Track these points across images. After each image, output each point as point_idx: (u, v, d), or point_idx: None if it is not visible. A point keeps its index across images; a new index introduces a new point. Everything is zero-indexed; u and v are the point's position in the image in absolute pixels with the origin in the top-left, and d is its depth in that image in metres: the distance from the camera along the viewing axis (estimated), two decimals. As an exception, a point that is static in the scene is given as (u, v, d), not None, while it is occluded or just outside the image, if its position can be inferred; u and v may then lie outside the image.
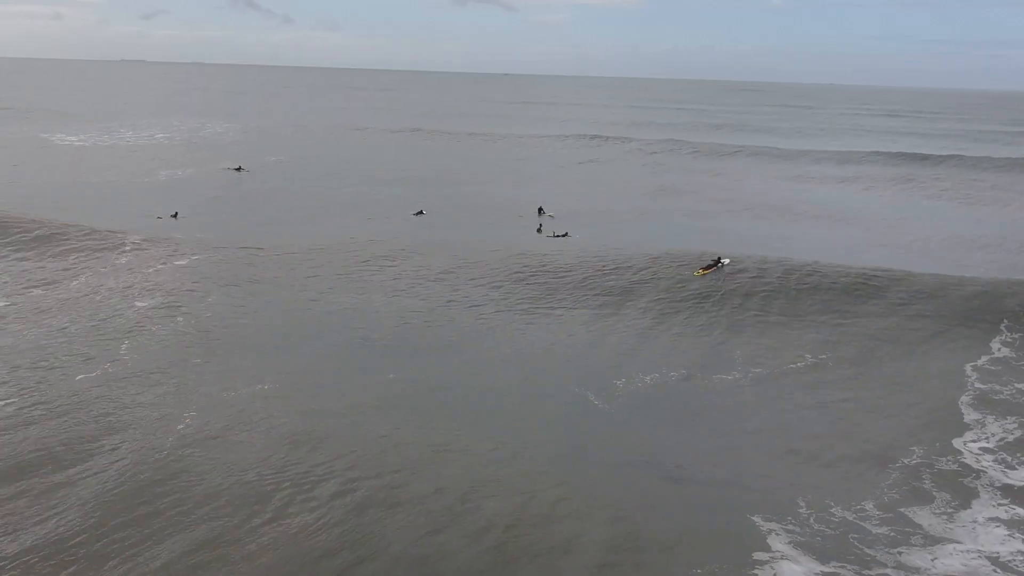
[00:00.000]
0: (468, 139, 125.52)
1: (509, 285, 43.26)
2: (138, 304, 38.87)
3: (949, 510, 22.94)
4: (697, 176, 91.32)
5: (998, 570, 20.41)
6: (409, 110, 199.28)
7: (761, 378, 32.19)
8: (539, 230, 60.66)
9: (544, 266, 46.12)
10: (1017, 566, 20.56)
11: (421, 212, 67.24)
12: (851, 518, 22.28)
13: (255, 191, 75.30)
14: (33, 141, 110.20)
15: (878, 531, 21.75)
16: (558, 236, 57.62)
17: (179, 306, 38.73)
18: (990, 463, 25.50)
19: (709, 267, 43.34)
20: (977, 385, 31.45)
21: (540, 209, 67.55)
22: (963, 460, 25.66)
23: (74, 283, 42.52)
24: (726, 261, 43.79)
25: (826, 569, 20.07)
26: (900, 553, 20.88)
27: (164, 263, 46.06)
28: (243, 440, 25.55)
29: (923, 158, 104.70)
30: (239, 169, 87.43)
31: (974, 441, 26.95)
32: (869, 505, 23.01)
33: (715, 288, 41.97)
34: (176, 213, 62.07)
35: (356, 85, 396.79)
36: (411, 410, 28.34)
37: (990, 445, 26.66)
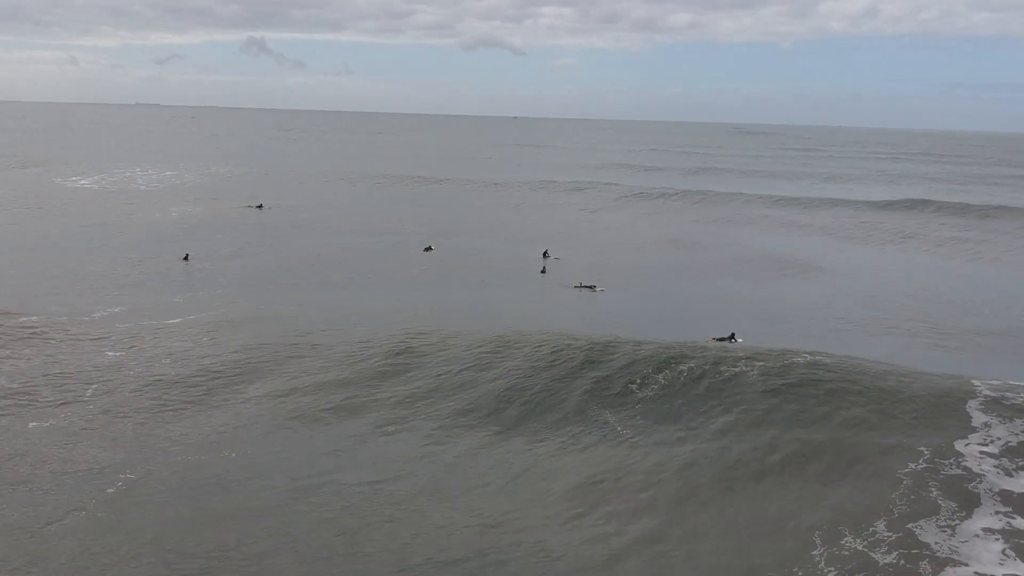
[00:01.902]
0: (481, 188, 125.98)
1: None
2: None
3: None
4: (698, 227, 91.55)
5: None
6: (424, 155, 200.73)
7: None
8: (543, 271, 60.97)
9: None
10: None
11: (430, 248, 67.94)
12: None
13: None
14: (62, 189, 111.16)
15: None
16: (585, 287, 56.21)
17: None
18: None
19: (722, 339, 42.60)
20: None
21: (545, 253, 67.79)
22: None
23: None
24: (739, 340, 42.56)
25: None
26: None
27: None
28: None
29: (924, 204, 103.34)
30: (260, 207, 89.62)
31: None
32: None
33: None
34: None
35: (369, 129, 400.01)
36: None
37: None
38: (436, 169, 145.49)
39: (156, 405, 32.24)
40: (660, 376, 33.77)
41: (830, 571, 21.30)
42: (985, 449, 27.34)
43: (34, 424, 30.00)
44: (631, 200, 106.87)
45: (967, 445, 27.59)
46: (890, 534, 22.75)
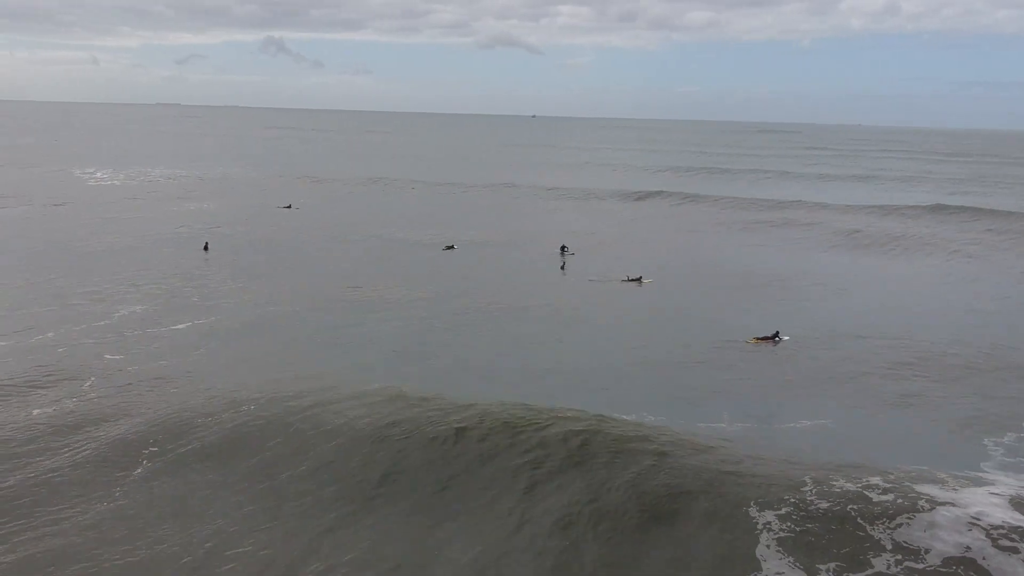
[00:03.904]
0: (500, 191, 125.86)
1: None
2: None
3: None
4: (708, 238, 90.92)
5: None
6: (441, 157, 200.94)
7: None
8: (562, 268, 60.92)
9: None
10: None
11: (452, 247, 68.01)
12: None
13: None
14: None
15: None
16: (632, 280, 56.01)
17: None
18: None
19: (764, 338, 41.87)
20: None
21: (563, 248, 67.67)
22: None
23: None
24: (785, 338, 41.83)
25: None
26: None
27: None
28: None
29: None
30: (289, 207, 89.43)
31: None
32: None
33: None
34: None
35: (386, 130, 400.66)
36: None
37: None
38: (455, 172, 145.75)
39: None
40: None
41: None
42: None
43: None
44: (644, 200, 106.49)
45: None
46: None
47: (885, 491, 21.58)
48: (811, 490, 21.59)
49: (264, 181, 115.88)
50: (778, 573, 19.17)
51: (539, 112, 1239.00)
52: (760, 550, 19.84)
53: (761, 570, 19.31)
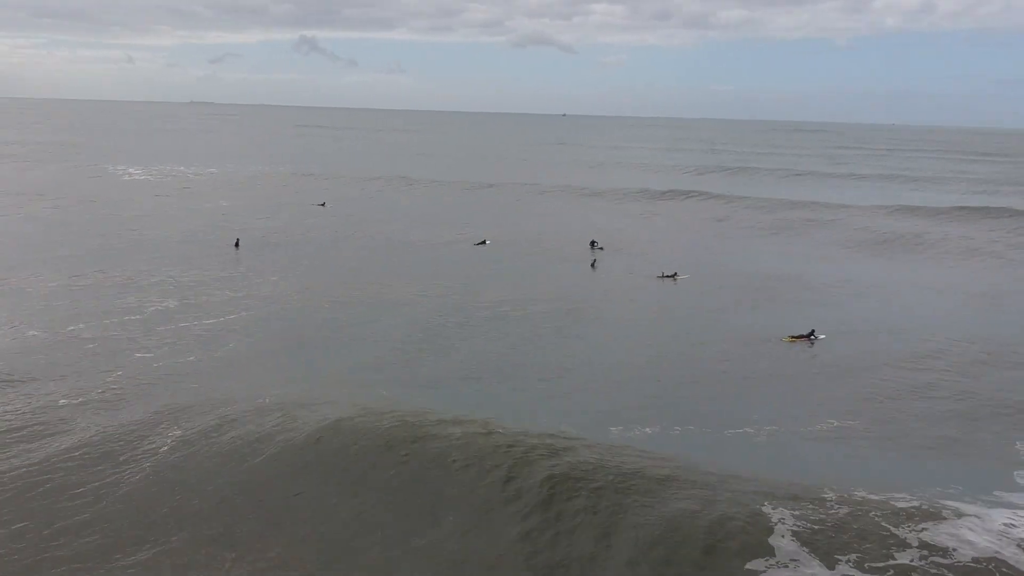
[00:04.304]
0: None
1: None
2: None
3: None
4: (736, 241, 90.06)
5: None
6: (470, 156, 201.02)
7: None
8: (593, 265, 60.47)
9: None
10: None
11: (484, 242, 67.88)
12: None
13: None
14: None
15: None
16: (667, 276, 55.92)
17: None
18: None
19: (800, 336, 41.29)
20: None
21: (593, 243, 67.33)
22: None
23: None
24: (822, 336, 41.28)
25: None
26: None
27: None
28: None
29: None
30: (323, 204, 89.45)
31: None
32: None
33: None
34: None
35: (418, 128, 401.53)
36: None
37: None
38: (484, 171, 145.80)
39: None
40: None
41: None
42: None
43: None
44: (674, 200, 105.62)
45: None
46: None
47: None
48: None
49: (297, 179, 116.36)
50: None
51: (570, 111, 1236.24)
52: None
53: None
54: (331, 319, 43.17)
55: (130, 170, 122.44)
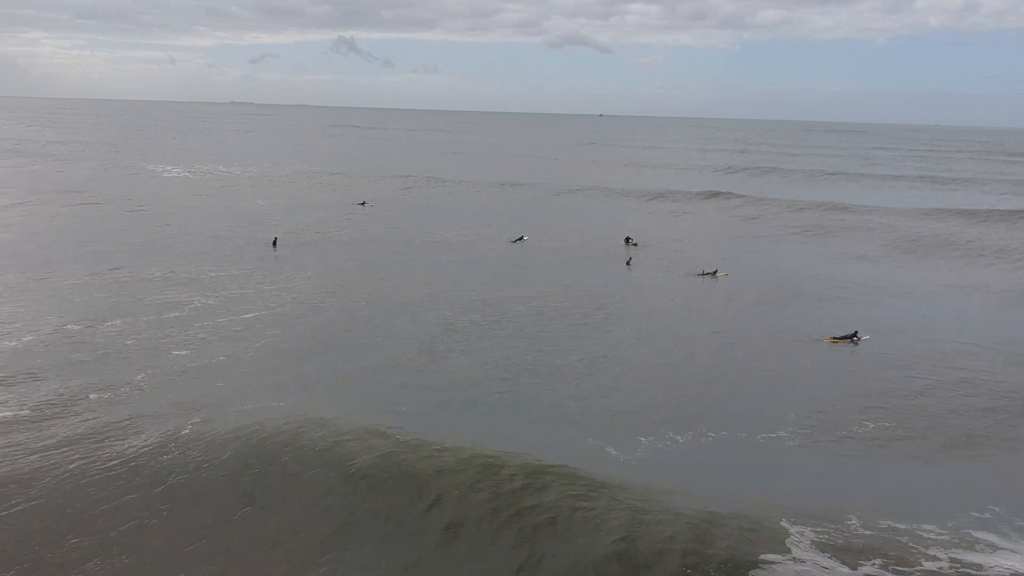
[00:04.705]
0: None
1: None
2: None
3: None
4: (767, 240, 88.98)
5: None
6: (505, 156, 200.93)
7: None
8: (628, 263, 60.08)
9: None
10: None
11: (522, 238, 67.77)
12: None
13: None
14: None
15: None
16: (707, 274, 55.52)
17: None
18: None
19: (843, 337, 40.61)
20: None
21: (627, 239, 66.95)
22: None
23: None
24: (865, 337, 40.58)
25: None
26: None
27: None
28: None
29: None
30: (363, 204, 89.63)
31: None
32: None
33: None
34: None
35: (453, 128, 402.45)
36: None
37: None
38: (518, 171, 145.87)
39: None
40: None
41: None
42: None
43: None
44: (708, 200, 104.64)
45: None
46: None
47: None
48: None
49: (335, 179, 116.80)
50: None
51: (607, 111, 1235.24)
52: None
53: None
54: (366, 318, 43.09)
55: (170, 169, 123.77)
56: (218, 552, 21.02)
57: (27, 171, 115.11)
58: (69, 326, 39.20)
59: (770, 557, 19.48)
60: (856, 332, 40.81)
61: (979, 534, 21.72)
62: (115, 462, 24.82)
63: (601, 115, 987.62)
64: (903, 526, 21.73)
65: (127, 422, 27.80)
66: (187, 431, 26.61)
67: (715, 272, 55.47)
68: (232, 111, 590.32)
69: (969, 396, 32.95)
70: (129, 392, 31.00)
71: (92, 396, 30.41)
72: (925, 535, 21.29)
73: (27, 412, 28.61)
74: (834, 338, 40.58)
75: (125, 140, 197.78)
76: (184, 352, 35.96)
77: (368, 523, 21.89)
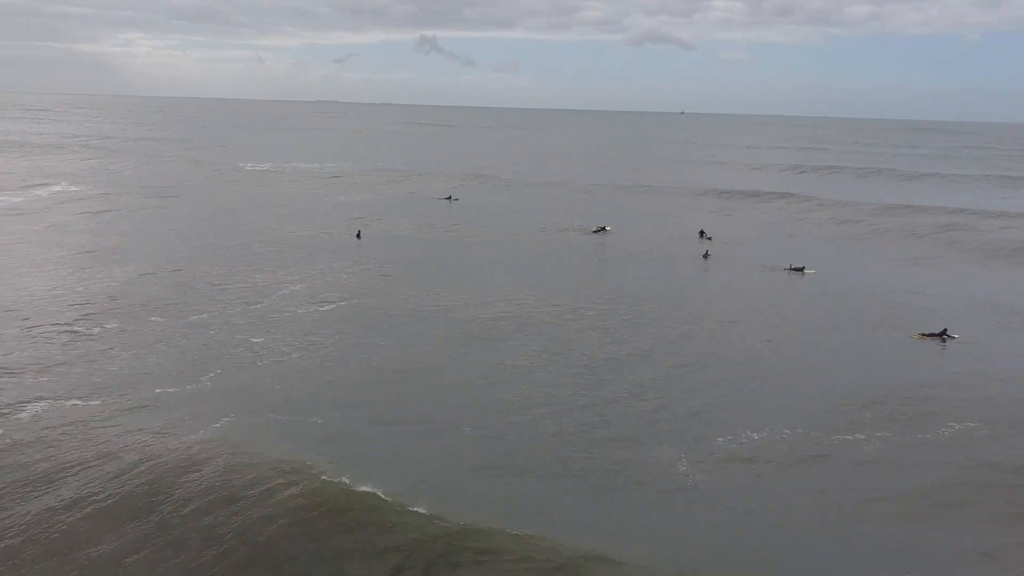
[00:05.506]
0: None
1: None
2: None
3: None
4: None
5: None
6: (592, 155, 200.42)
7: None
8: (706, 256, 60.43)
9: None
10: None
11: (604, 228, 68.86)
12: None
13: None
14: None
15: None
16: (795, 270, 55.36)
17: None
18: None
19: (931, 335, 40.19)
20: None
21: (701, 232, 67.43)
22: None
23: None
24: (955, 336, 39.93)
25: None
26: None
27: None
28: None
29: None
30: (449, 198, 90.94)
31: None
32: None
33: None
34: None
35: (535, 126, 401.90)
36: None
37: None
38: (596, 170, 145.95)
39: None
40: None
41: None
42: None
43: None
44: (788, 200, 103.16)
45: None
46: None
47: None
48: None
49: (418, 176, 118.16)
50: None
51: (689, 109, 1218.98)
52: None
53: None
54: (440, 319, 43.54)
55: (261, 167, 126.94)
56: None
57: (120, 167, 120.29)
58: (153, 319, 41.25)
59: None
60: (945, 329, 40.31)
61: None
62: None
63: (683, 113, 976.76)
64: None
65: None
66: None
67: (802, 268, 55.24)
68: (317, 109, 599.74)
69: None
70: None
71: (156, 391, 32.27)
72: None
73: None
74: (922, 334, 40.30)
75: (218, 138, 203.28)
76: (261, 338, 37.61)
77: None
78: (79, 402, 29.51)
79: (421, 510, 22.15)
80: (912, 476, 25.91)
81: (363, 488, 23.31)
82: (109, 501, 22.68)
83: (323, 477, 23.80)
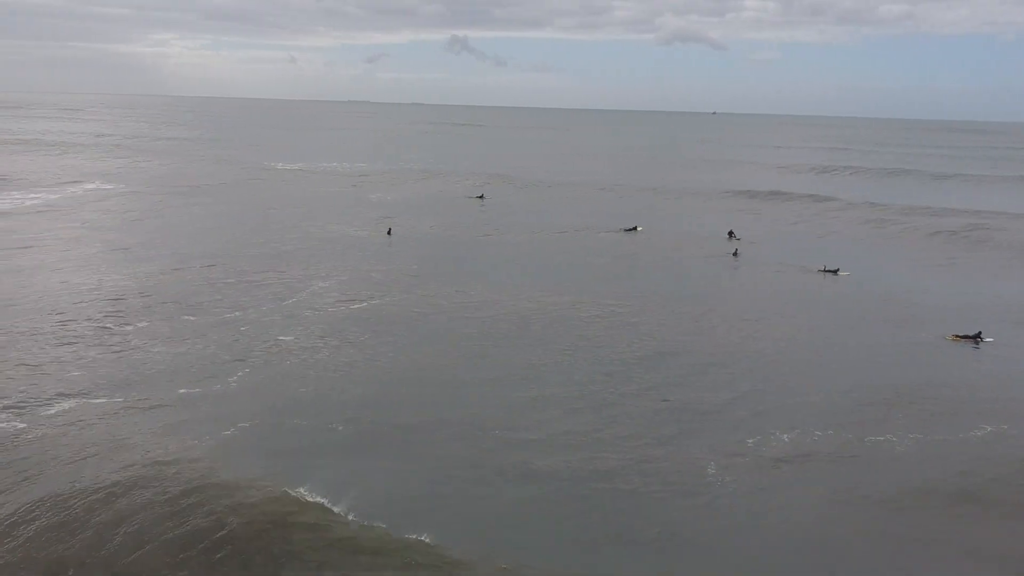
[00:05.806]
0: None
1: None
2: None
3: None
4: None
5: None
6: (621, 155, 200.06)
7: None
8: (735, 254, 60.27)
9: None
10: None
11: (636, 228, 68.92)
12: None
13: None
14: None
15: None
16: (829, 271, 54.99)
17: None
18: None
19: (965, 336, 39.78)
20: None
21: (730, 233, 67.27)
22: None
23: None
24: (989, 339, 39.49)
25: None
26: None
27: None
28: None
29: None
30: (481, 197, 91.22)
31: None
32: None
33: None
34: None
35: (566, 126, 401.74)
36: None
37: None
38: (626, 171, 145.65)
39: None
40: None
41: None
42: None
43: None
44: (820, 202, 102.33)
45: None
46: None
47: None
48: None
49: (450, 174, 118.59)
50: None
51: (720, 109, 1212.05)
52: None
53: None
54: (471, 318, 43.82)
55: (288, 165, 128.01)
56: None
57: (152, 166, 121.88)
58: (186, 317, 41.70)
59: None
60: (979, 332, 39.88)
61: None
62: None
63: (715, 113, 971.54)
64: None
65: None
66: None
67: (836, 270, 54.75)
68: (348, 109, 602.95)
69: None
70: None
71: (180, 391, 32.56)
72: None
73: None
74: (956, 336, 39.89)
75: (249, 137, 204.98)
76: (288, 337, 37.97)
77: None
78: (104, 399, 29.74)
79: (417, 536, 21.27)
80: (946, 476, 25.63)
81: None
82: (119, 502, 22.46)
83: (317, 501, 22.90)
